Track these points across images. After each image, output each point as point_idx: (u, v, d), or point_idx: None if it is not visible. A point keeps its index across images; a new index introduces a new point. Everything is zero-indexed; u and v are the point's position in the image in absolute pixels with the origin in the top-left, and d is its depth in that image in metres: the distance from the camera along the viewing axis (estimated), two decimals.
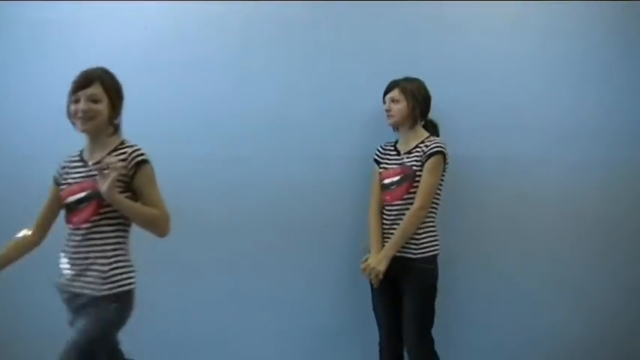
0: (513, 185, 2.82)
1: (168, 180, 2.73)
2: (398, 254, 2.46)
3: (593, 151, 2.88)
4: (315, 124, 2.79)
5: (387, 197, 2.55)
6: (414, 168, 2.51)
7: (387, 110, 2.57)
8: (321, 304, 2.78)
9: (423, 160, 2.50)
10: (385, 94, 2.59)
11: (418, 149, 2.54)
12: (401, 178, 2.51)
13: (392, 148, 2.63)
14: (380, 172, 2.61)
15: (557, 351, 2.85)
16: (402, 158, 2.56)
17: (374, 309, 2.60)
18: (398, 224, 2.49)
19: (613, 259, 2.88)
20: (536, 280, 2.83)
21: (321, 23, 2.81)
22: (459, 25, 2.84)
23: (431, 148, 2.50)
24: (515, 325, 2.82)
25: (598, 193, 2.88)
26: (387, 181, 2.56)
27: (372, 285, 2.52)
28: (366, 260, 2.49)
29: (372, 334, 2.63)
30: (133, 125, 2.73)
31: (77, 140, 2.70)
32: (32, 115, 2.71)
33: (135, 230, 2.69)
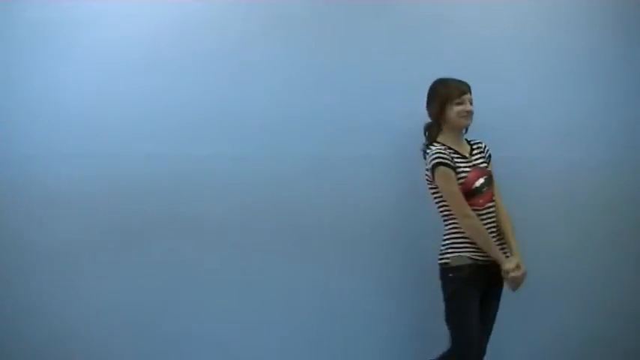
0: (513, 185, 2.82)
1: (167, 180, 2.75)
2: (490, 259, 2.43)
3: (593, 151, 2.87)
4: (315, 123, 2.78)
5: (480, 200, 2.46)
6: (489, 169, 2.56)
7: (468, 111, 2.49)
8: (324, 306, 2.78)
9: (487, 162, 2.58)
10: (463, 93, 2.50)
11: (476, 151, 2.56)
12: (486, 180, 2.49)
13: (451, 150, 2.50)
14: (464, 176, 2.46)
15: (557, 349, 2.85)
16: (470, 160, 2.52)
17: (465, 315, 2.42)
18: (491, 227, 2.47)
19: (613, 259, 2.88)
20: (535, 279, 2.82)
21: (322, 23, 2.80)
22: (458, 25, 2.84)
23: (488, 150, 2.61)
24: (514, 323, 2.82)
25: (598, 192, 2.88)
26: (477, 184, 2.47)
27: (458, 293, 2.41)
28: (517, 267, 2.41)
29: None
30: (132, 125, 2.75)
31: (77, 140, 2.71)
32: (33, 115, 2.71)
33: (133, 231, 2.70)
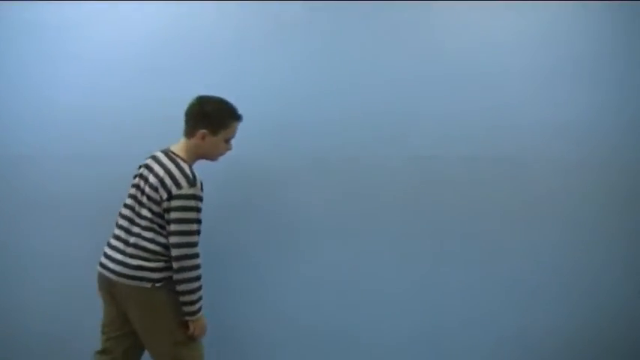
0: (512, 185, 2.82)
1: None
2: None
3: (592, 151, 2.88)
4: (315, 123, 2.79)
5: None
6: None
7: None
8: (311, 306, 2.79)
9: None
10: None
11: None
12: None
13: None
14: None
15: (557, 351, 2.86)
16: None
17: None
18: None
19: (613, 259, 2.89)
20: (535, 279, 2.84)
21: (321, 24, 2.81)
22: (456, 27, 2.84)
23: None
24: (513, 324, 2.84)
25: (597, 193, 2.88)
26: None
27: None
28: None
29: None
30: (129, 126, 2.75)
31: (76, 141, 2.72)
32: (29, 116, 2.71)
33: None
